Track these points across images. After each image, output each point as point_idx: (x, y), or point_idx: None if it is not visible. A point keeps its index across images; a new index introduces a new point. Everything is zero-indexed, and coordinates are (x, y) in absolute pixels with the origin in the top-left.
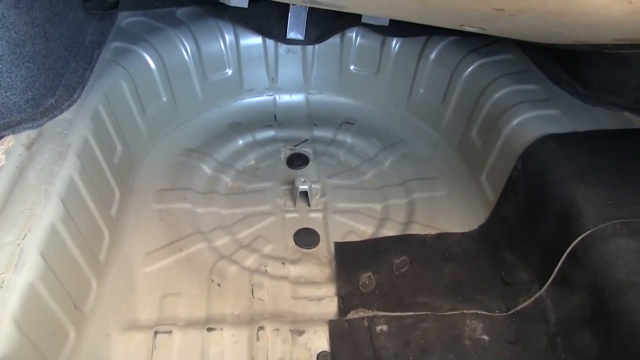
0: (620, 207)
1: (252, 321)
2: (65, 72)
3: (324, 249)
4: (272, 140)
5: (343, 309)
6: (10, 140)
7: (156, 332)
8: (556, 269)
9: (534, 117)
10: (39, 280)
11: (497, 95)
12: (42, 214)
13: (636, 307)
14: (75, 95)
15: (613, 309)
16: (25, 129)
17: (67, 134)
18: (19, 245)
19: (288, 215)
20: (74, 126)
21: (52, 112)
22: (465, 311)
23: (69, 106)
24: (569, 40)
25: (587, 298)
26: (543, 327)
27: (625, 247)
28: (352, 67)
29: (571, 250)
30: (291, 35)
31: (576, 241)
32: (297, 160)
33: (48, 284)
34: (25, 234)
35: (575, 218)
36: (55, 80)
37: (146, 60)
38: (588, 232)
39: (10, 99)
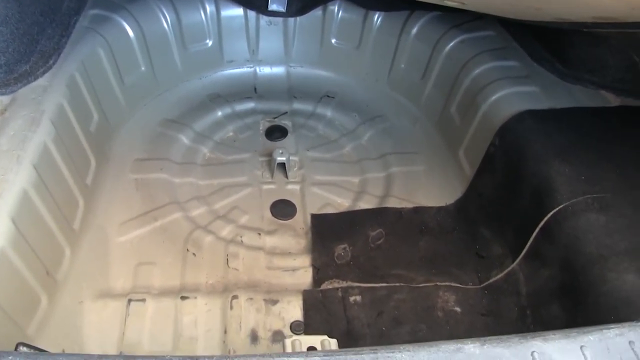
0: (593, 182)
1: (227, 290)
2: (41, 38)
3: (301, 220)
4: (252, 112)
5: (317, 280)
6: None
7: (130, 300)
8: (529, 243)
9: (512, 94)
10: (9, 245)
11: (477, 71)
12: (13, 180)
13: (602, 279)
14: (51, 62)
15: (581, 281)
16: None
17: (41, 100)
18: None
19: (265, 187)
20: (48, 93)
21: (26, 78)
22: (439, 283)
23: (44, 72)
24: (549, 17)
25: (557, 271)
26: (514, 300)
27: (596, 221)
28: (333, 41)
29: (544, 224)
30: (273, 7)
31: (549, 215)
32: (275, 133)
33: (19, 250)
34: None
35: (548, 193)
36: (30, 46)
37: (125, 29)
38: (561, 206)
39: None
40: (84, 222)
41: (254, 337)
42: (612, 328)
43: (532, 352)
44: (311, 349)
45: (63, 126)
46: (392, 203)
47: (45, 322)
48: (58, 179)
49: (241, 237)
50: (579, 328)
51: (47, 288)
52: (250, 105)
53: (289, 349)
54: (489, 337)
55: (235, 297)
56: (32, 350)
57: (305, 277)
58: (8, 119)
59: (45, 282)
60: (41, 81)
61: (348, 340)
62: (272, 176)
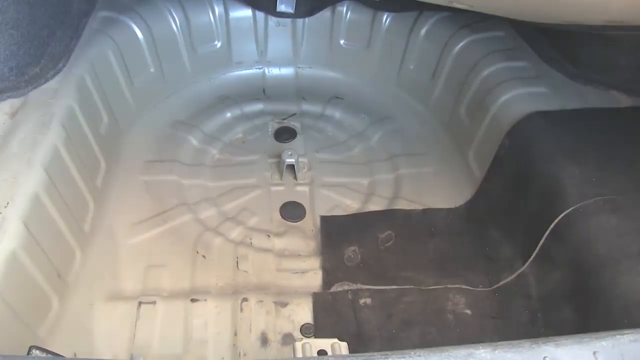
0: (603, 184)
1: (236, 292)
2: (51, 41)
3: (310, 222)
4: (260, 114)
5: (327, 282)
6: None
7: (140, 303)
8: (539, 245)
9: (522, 95)
10: (21, 248)
11: (486, 71)
12: (25, 183)
13: (614, 282)
14: (61, 65)
15: (593, 284)
16: (9, 97)
17: (52, 103)
18: (0, 213)
19: (274, 189)
20: (59, 95)
21: (36, 80)
22: (448, 286)
23: (54, 75)
24: (558, 20)
25: (568, 274)
26: (525, 302)
27: (607, 223)
28: (342, 42)
29: (554, 226)
30: (281, 8)
31: (559, 218)
32: (284, 134)
33: (30, 253)
34: (8, 203)
35: (559, 195)
36: (40, 49)
37: (134, 31)
38: (571, 208)
39: None
40: (94, 224)
41: (264, 340)
42: (625, 334)
43: (544, 357)
44: (321, 352)
45: (73, 129)
46: (402, 205)
47: (56, 325)
48: (68, 181)
49: (250, 239)
50: (591, 333)
51: (58, 290)
52: (259, 106)
53: (299, 353)
54: (500, 342)
55: (245, 299)
56: (45, 354)
57: (315, 280)
58: (19, 122)
59: (57, 284)
60: (51, 84)
61: (358, 343)
62: (281, 178)
